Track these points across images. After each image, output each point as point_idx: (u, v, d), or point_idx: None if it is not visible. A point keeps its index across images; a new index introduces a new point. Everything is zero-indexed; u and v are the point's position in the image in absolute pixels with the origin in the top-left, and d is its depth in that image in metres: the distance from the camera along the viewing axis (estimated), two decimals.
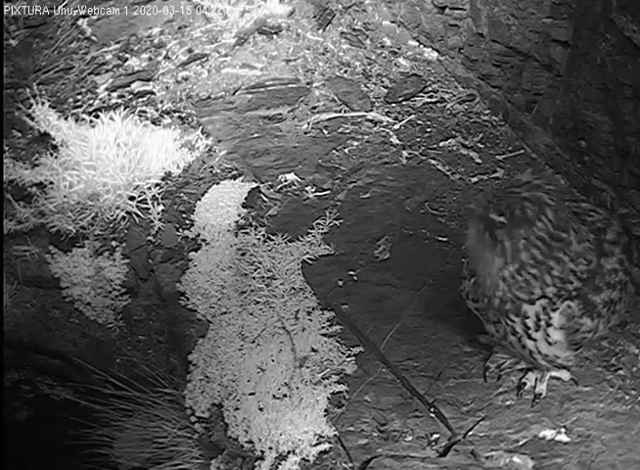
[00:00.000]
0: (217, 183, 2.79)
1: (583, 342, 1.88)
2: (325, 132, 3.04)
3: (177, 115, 3.13)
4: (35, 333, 2.76)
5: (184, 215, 2.71)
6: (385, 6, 3.57)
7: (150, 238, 2.68)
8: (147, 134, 2.89)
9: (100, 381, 2.48)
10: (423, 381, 2.12)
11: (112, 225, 2.73)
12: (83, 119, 2.96)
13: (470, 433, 1.99)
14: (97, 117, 2.91)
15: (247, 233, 2.58)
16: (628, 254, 1.92)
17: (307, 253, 2.50)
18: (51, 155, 2.83)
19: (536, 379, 2.06)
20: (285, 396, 2.09)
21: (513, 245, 1.73)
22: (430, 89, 3.24)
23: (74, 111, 3.12)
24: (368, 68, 3.36)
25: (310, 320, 2.30)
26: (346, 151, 2.94)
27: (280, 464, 1.97)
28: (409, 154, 2.92)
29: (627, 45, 2.24)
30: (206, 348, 2.27)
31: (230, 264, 2.49)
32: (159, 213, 2.71)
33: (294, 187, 2.79)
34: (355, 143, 2.98)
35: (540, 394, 2.04)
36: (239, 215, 2.66)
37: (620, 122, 2.38)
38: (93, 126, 2.89)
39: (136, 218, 2.73)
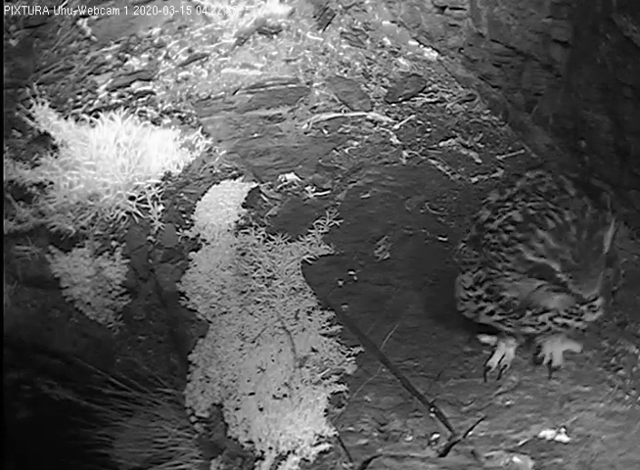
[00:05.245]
0: (217, 183, 2.79)
1: (611, 288, 1.89)
2: (325, 132, 3.04)
3: (177, 115, 3.14)
4: (35, 333, 2.76)
5: (184, 215, 2.71)
6: (385, 6, 3.57)
7: (150, 238, 2.68)
8: (147, 134, 2.89)
9: (100, 381, 2.48)
10: (423, 381, 2.12)
11: (112, 225, 2.73)
12: (83, 119, 2.96)
13: (470, 433, 1.99)
14: (97, 117, 2.92)
15: (247, 233, 2.58)
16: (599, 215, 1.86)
17: (307, 253, 2.50)
18: (51, 155, 2.83)
19: (551, 353, 2.09)
20: (285, 396, 2.09)
21: None
22: (430, 89, 3.24)
23: (74, 111, 3.12)
24: (368, 68, 3.36)
25: (310, 320, 2.30)
26: (346, 151, 2.94)
27: (280, 464, 1.97)
28: (409, 154, 2.92)
29: (627, 45, 2.24)
30: (206, 348, 2.27)
31: (230, 264, 2.49)
32: (159, 213, 2.71)
33: (294, 187, 2.79)
34: (355, 143, 2.98)
35: (558, 366, 2.07)
36: (239, 215, 2.66)
37: (620, 122, 2.38)
38: (93, 126, 2.89)
39: (136, 218, 2.72)
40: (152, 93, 3.25)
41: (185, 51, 3.41)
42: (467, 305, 1.97)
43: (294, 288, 2.40)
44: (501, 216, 1.82)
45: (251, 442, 2.03)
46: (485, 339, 2.18)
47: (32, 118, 2.93)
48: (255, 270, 2.45)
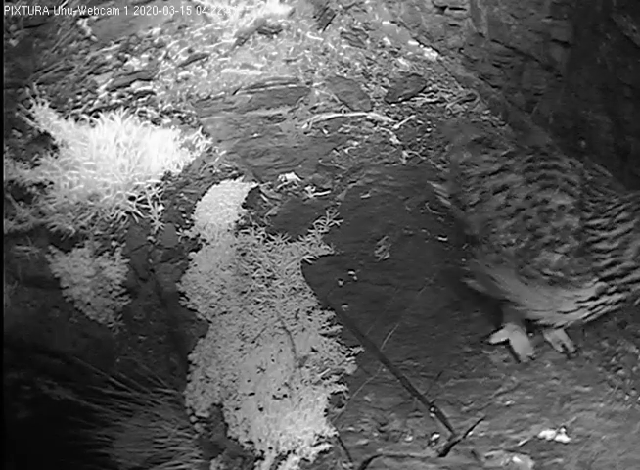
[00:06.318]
0: (217, 183, 2.79)
1: None
2: (325, 132, 3.04)
3: (177, 115, 3.14)
4: (35, 333, 2.76)
5: (184, 215, 2.71)
6: (385, 6, 3.57)
7: (150, 238, 2.68)
8: (147, 134, 2.89)
9: (100, 381, 2.48)
10: (423, 381, 2.12)
11: (112, 225, 2.73)
12: (83, 119, 2.96)
13: (470, 433, 1.99)
14: (97, 117, 2.91)
15: (247, 233, 2.58)
16: None
17: (307, 253, 2.50)
18: (51, 155, 2.83)
19: (559, 340, 2.16)
20: (285, 396, 2.09)
21: None
22: (430, 89, 3.24)
23: (74, 111, 3.12)
24: (368, 68, 3.36)
25: (310, 320, 2.30)
26: (346, 151, 2.94)
27: (280, 464, 1.97)
28: (409, 154, 2.92)
29: (627, 45, 2.24)
30: (206, 348, 2.27)
31: (230, 264, 2.49)
32: (159, 213, 2.71)
33: (294, 187, 2.79)
34: (355, 143, 2.98)
35: (575, 350, 2.14)
36: (239, 215, 2.66)
37: (620, 122, 2.38)
38: (93, 126, 2.88)
39: (136, 218, 2.73)
40: (152, 93, 3.25)
41: (185, 51, 3.41)
42: (575, 314, 1.90)
43: (294, 288, 2.40)
44: (600, 248, 1.80)
45: (251, 442, 2.03)
46: (496, 338, 2.17)
47: (32, 118, 2.93)
48: (255, 270, 2.45)
